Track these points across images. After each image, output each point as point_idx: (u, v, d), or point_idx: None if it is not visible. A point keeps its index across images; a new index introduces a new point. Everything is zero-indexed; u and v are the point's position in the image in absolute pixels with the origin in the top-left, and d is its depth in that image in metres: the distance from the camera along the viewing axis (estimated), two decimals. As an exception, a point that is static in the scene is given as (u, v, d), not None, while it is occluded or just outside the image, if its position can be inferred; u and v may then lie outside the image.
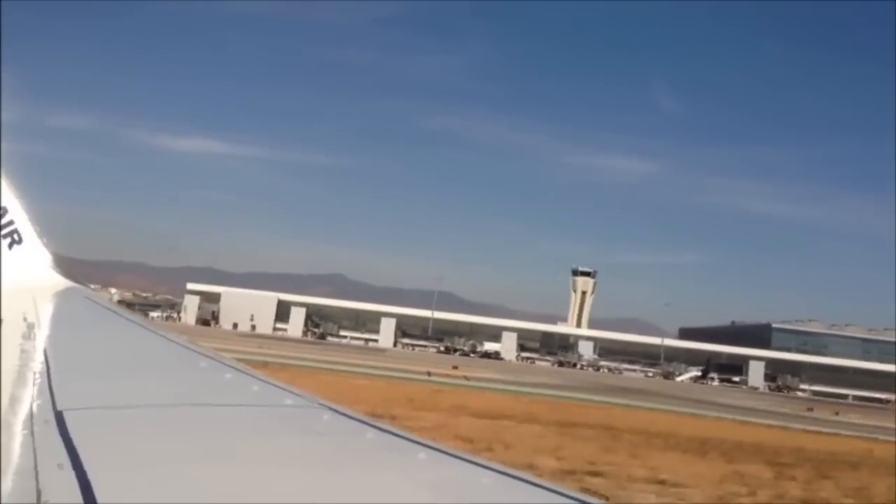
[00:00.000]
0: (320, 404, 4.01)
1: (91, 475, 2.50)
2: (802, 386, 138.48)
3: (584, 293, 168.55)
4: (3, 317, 7.12)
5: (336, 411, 3.85)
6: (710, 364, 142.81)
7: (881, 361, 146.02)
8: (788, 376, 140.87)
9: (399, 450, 3.27)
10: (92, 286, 13.44)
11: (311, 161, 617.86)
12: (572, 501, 2.63)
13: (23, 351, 5.40)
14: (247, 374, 4.87)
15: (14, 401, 3.71)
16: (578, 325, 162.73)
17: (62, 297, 10.19)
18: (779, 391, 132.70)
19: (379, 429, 3.53)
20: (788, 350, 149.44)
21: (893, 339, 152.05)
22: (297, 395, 4.21)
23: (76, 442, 2.88)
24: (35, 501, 2.32)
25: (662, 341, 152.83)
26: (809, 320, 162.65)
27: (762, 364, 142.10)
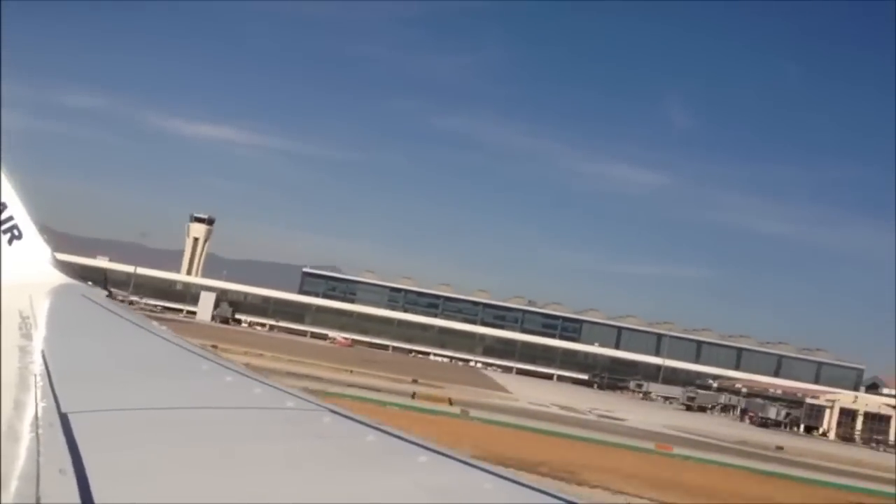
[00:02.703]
0: (321, 406, 4.03)
1: (92, 480, 2.51)
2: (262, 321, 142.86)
3: (196, 240, 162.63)
4: (3, 313, 7.07)
5: (337, 413, 3.86)
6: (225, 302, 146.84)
7: (403, 311, 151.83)
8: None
9: (400, 453, 3.28)
10: (90, 283, 13.40)
11: (320, 154, 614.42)
12: None
13: (23, 350, 5.37)
14: (248, 376, 4.89)
15: (18, 402, 3.71)
16: (190, 272, 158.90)
17: (62, 295, 10.17)
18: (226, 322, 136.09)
19: (380, 431, 3.54)
20: (317, 295, 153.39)
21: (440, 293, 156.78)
22: (298, 397, 4.23)
23: (81, 446, 2.89)
24: (34, 503, 2.32)
25: (188, 276, 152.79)
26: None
27: (212, 296, 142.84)
